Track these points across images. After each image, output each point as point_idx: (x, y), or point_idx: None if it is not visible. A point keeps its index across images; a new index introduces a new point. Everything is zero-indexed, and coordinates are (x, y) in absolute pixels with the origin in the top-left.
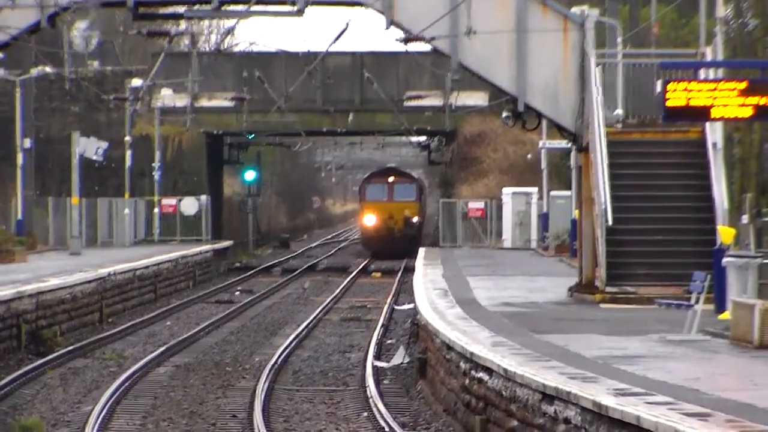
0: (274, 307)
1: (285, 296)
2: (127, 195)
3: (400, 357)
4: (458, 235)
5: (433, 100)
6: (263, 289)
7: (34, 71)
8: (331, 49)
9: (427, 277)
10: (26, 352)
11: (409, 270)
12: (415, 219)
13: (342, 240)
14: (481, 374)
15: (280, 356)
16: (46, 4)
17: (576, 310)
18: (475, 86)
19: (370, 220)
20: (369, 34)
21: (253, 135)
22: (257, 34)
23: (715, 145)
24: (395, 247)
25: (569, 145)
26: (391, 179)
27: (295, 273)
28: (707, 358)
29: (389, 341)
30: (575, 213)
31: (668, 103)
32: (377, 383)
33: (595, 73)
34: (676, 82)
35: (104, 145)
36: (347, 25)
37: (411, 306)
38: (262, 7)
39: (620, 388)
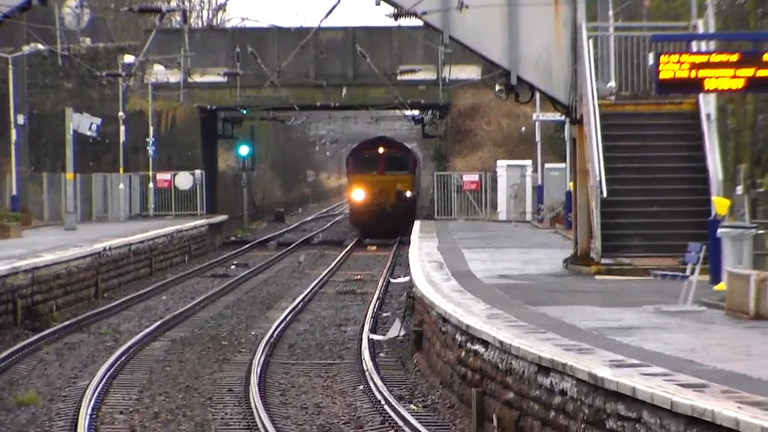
0: (270, 280)
1: (280, 270)
2: (121, 170)
3: (395, 330)
4: (453, 207)
5: (427, 74)
6: (258, 263)
7: (27, 48)
8: (323, 24)
9: (422, 250)
10: (22, 328)
11: (405, 243)
12: (409, 193)
13: (337, 214)
14: (477, 347)
15: (276, 330)
16: None
17: (571, 282)
18: (468, 60)
19: (358, 195)
20: (361, 8)
21: (246, 110)
22: (249, 9)
23: (708, 116)
24: (387, 225)
25: (563, 117)
26: (381, 150)
27: (290, 247)
28: (703, 328)
29: (385, 314)
30: (570, 185)
31: (661, 75)
32: (373, 356)
33: (587, 46)
34: (668, 54)
35: (98, 120)
36: None
37: (406, 279)
38: None
39: (616, 360)
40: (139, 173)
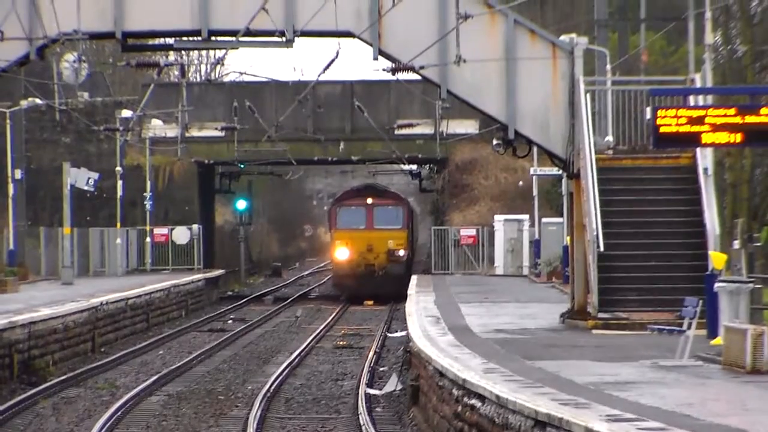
0: (267, 335)
1: (277, 324)
2: (118, 225)
3: (392, 384)
4: (450, 262)
5: (424, 128)
6: (255, 318)
7: (25, 103)
8: (321, 78)
9: (419, 305)
10: (19, 382)
11: (402, 297)
12: (402, 252)
13: None
14: (473, 401)
15: (272, 384)
16: (35, 36)
17: (568, 337)
18: (465, 114)
19: (342, 253)
20: (359, 62)
21: (244, 164)
22: (247, 63)
23: (706, 170)
24: (376, 290)
25: (560, 171)
26: (370, 201)
27: (287, 301)
28: (700, 383)
29: (382, 368)
30: (567, 239)
31: (659, 130)
32: (370, 411)
33: (585, 100)
34: (666, 109)
35: (95, 175)
36: (337, 53)
37: (403, 333)
38: (251, 38)
39: (612, 414)
40: (137, 228)
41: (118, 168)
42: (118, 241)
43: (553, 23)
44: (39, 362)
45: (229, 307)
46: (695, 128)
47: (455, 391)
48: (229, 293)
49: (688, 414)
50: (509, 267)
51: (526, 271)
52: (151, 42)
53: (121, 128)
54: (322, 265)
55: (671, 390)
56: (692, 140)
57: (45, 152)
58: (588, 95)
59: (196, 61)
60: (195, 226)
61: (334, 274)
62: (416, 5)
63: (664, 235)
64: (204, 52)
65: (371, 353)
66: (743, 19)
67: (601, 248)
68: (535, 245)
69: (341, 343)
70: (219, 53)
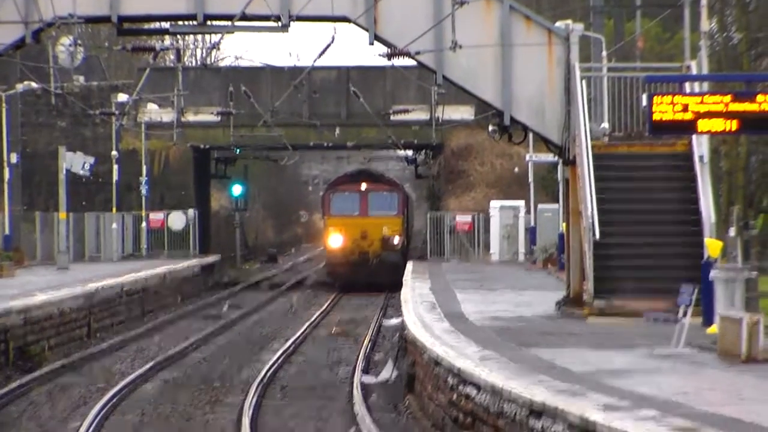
0: (262, 322)
1: (273, 311)
2: (114, 209)
3: (388, 372)
4: (446, 248)
5: (420, 114)
6: (251, 304)
7: (20, 86)
8: (317, 64)
9: (415, 291)
10: (14, 368)
11: (397, 286)
12: (397, 239)
13: None
14: (468, 389)
15: (268, 371)
16: (31, 20)
17: (564, 324)
18: (461, 100)
19: (335, 240)
20: (355, 48)
21: (239, 149)
22: (243, 48)
23: (701, 158)
24: (370, 278)
25: (556, 158)
26: (364, 186)
27: (282, 288)
28: (695, 371)
29: (377, 356)
30: (562, 226)
31: (655, 117)
32: (365, 398)
33: (580, 87)
34: (662, 96)
35: (91, 160)
36: (333, 38)
37: (399, 320)
38: (247, 23)
39: (608, 403)
40: (132, 213)
41: (114, 152)
42: (114, 226)
43: (548, 9)
44: (34, 348)
45: (225, 293)
46: (691, 116)
47: (450, 379)
48: (225, 279)
49: (683, 402)
50: (505, 253)
51: (521, 258)
52: (146, 26)
53: (116, 112)
54: (317, 251)
55: (667, 378)
56: (688, 128)
57: (41, 136)
58: (584, 81)
59: (191, 46)
60: (191, 212)
61: (328, 261)
62: None
63: (659, 222)
64: (200, 37)
65: (366, 340)
66: (739, 7)
67: (597, 236)
68: (531, 232)
69: (337, 330)
70: (215, 38)
